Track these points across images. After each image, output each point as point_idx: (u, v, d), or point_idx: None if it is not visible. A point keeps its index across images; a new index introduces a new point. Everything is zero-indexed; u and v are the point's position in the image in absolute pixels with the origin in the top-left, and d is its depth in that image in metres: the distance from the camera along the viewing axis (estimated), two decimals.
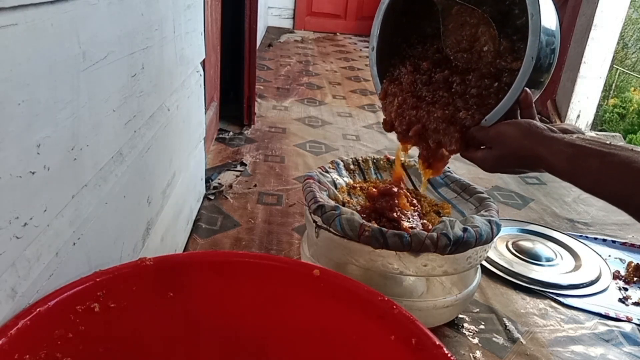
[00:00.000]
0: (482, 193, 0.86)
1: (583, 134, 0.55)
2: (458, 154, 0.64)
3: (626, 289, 0.98)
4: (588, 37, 1.88)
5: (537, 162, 0.55)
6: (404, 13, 0.73)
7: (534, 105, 0.60)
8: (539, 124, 0.55)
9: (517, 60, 0.62)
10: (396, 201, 0.78)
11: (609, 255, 1.08)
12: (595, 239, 1.15)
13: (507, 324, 0.84)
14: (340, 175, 0.90)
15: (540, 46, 0.56)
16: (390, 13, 0.71)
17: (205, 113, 1.11)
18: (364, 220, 0.71)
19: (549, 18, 0.58)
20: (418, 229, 0.73)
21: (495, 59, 0.64)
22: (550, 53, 0.59)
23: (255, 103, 1.65)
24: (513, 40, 0.64)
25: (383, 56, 0.73)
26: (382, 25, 0.71)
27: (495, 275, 0.97)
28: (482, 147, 0.61)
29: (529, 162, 0.56)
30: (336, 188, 0.86)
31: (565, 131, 0.55)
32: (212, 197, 1.15)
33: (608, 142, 0.50)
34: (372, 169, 0.94)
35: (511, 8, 0.67)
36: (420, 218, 0.80)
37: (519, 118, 0.60)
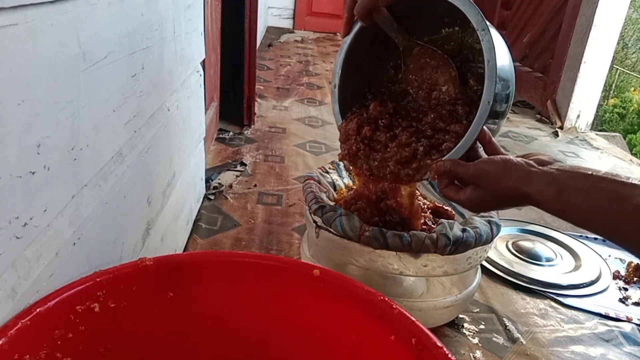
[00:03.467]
0: None
1: (560, 162, 0.54)
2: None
3: (626, 289, 0.98)
4: (588, 37, 1.88)
5: (523, 201, 0.54)
6: (366, 52, 0.74)
7: (493, 139, 0.61)
8: (514, 160, 0.55)
9: (455, 123, 0.64)
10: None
11: (609, 255, 1.08)
12: (595, 239, 1.14)
13: (507, 324, 0.84)
14: (340, 176, 0.90)
15: (496, 91, 0.58)
16: (353, 51, 0.72)
17: (205, 113, 1.11)
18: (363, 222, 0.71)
19: (503, 62, 0.60)
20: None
21: (436, 120, 0.66)
22: (505, 97, 0.60)
23: (255, 103, 1.65)
24: (456, 103, 0.66)
25: (347, 92, 0.75)
26: (344, 64, 0.72)
27: (495, 275, 0.97)
28: (461, 187, 0.60)
29: (515, 201, 0.56)
30: (335, 190, 0.86)
31: (542, 162, 0.54)
32: (212, 197, 1.15)
33: (590, 173, 0.50)
34: None
35: (462, 66, 0.69)
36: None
37: (484, 155, 0.60)
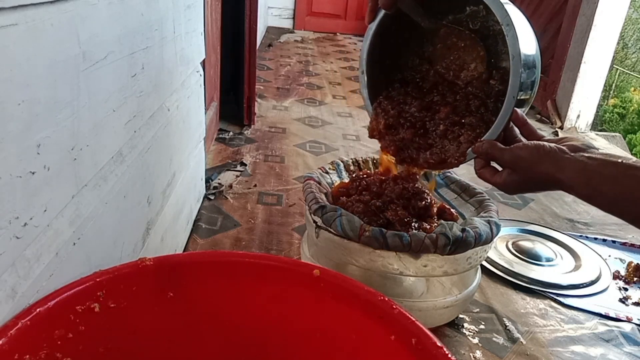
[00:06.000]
0: (482, 194, 0.86)
1: (594, 148, 0.56)
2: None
3: (626, 289, 0.98)
4: (588, 37, 1.88)
5: (555, 186, 0.56)
6: (392, 35, 0.75)
7: (528, 121, 0.63)
8: (547, 146, 0.56)
9: (469, 116, 0.67)
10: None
11: (609, 255, 1.08)
12: (595, 239, 1.15)
13: (507, 324, 0.84)
14: (340, 176, 0.90)
15: (521, 81, 0.59)
16: (378, 36, 0.73)
17: (205, 113, 1.11)
18: (363, 222, 0.71)
19: (528, 51, 0.61)
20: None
21: (449, 114, 0.69)
22: (530, 84, 0.61)
23: (255, 103, 1.65)
24: (469, 98, 0.69)
25: (375, 77, 0.76)
26: (370, 49, 0.73)
27: (495, 275, 0.97)
28: (497, 170, 0.62)
29: (548, 186, 0.58)
30: None
31: (575, 149, 0.55)
32: (212, 197, 1.15)
33: (620, 161, 0.52)
34: (372, 169, 0.94)
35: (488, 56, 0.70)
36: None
37: (519, 136, 0.63)
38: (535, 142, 0.58)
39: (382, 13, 0.70)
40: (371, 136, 0.76)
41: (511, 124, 0.62)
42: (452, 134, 0.68)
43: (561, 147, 0.56)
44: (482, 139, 0.63)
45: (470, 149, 0.65)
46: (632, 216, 0.51)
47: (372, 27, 0.72)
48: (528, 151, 0.57)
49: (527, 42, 0.60)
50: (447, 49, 0.71)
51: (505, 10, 0.60)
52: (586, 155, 0.54)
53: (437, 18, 0.72)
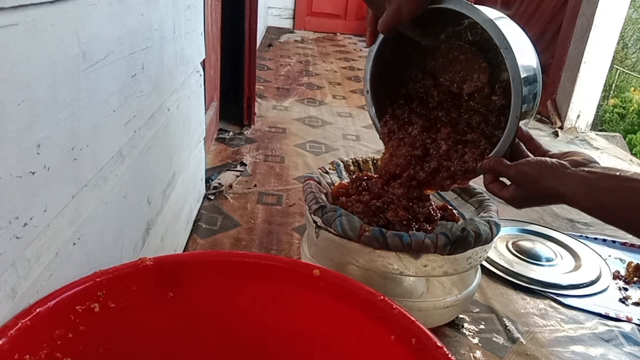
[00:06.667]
0: (482, 194, 0.86)
1: (595, 162, 0.57)
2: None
3: (626, 289, 0.98)
4: (588, 37, 1.88)
5: (558, 200, 0.59)
6: (393, 52, 0.77)
7: (532, 136, 0.65)
8: (549, 161, 0.58)
9: (470, 133, 0.69)
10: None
11: (609, 255, 1.08)
12: (595, 239, 1.15)
13: (507, 324, 0.84)
14: (340, 176, 0.90)
15: (522, 102, 0.61)
16: (380, 56, 0.75)
17: (205, 113, 1.11)
18: (363, 222, 0.71)
19: (529, 69, 0.62)
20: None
21: (450, 135, 0.71)
22: (532, 97, 0.63)
23: (255, 103, 1.65)
24: (471, 115, 0.71)
25: (380, 93, 0.78)
26: (373, 69, 0.75)
27: (495, 275, 0.97)
28: (505, 184, 0.64)
29: (552, 200, 0.60)
30: None
31: (576, 164, 0.57)
32: (212, 197, 1.15)
33: (618, 174, 0.54)
34: (372, 169, 0.94)
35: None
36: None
37: (526, 151, 0.64)
38: (539, 158, 0.60)
39: (382, 36, 0.71)
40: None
41: (517, 140, 0.64)
42: (456, 153, 0.69)
43: (563, 162, 0.58)
44: (489, 156, 0.65)
45: (478, 165, 0.66)
46: (631, 225, 0.53)
47: (373, 49, 0.73)
48: (531, 167, 0.59)
49: (526, 59, 0.61)
50: (449, 62, 0.72)
51: (502, 33, 0.60)
52: (587, 169, 0.56)
53: (437, 32, 0.72)
